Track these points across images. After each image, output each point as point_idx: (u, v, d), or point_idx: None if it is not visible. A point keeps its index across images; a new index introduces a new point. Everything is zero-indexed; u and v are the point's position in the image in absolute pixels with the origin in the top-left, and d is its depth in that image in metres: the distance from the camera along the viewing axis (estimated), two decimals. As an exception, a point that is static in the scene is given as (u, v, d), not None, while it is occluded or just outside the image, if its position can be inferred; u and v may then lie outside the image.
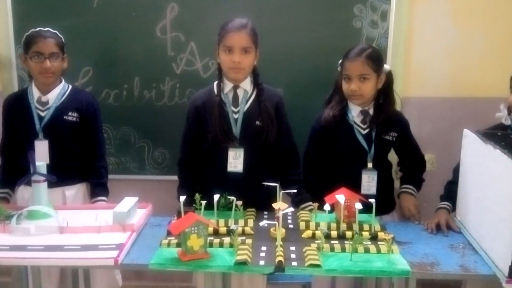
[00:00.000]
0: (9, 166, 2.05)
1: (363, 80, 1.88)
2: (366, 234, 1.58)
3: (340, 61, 1.99)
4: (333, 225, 1.69)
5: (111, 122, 2.51)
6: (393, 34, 2.41)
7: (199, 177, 2.01)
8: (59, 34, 2.04)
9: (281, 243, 1.51)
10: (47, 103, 2.03)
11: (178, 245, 1.53)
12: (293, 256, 1.47)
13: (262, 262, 1.43)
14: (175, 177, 2.51)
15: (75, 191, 2.09)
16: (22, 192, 2.05)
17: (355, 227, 1.64)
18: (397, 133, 1.98)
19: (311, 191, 1.97)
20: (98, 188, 2.08)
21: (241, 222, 1.73)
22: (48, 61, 1.96)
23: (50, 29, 2.03)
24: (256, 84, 1.93)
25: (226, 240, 1.55)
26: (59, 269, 2.08)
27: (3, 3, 2.42)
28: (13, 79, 2.51)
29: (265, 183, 1.84)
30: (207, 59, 2.46)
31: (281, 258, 1.41)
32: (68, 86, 2.11)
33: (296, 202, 1.94)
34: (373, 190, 1.92)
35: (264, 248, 1.53)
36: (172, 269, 1.43)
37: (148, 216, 1.87)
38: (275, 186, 1.83)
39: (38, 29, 2.02)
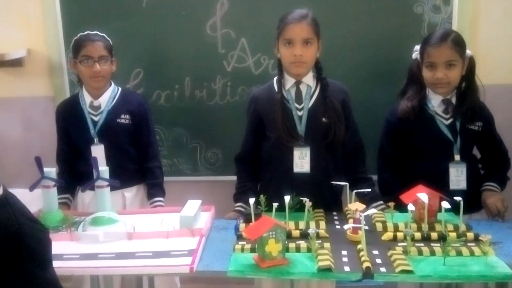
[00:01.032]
0: (67, 172, 2.03)
1: (450, 67, 1.75)
2: (453, 235, 1.45)
3: (417, 47, 1.87)
4: (413, 226, 1.57)
5: (163, 124, 2.47)
6: (457, 19, 2.27)
7: (260, 176, 1.92)
8: (106, 37, 2.02)
9: (362, 246, 1.40)
10: (99, 107, 2.01)
11: (253, 250, 1.45)
12: (378, 261, 1.37)
13: (347, 268, 1.33)
14: (229, 177, 2.48)
15: (134, 192, 2.06)
16: (82, 197, 2.03)
17: (439, 227, 1.52)
18: (482, 123, 1.85)
19: (386, 190, 1.86)
20: (155, 189, 2.05)
21: (312, 224, 1.64)
22: (97, 65, 1.94)
23: (98, 32, 2.01)
24: (319, 78, 1.83)
25: (303, 244, 1.46)
26: (120, 276, 2.05)
27: (52, 7, 2.41)
28: (65, 84, 2.49)
29: (334, 182, 1.76)
30: (258, 55, 2.38)
31: (368, 264, 1.31)
32: (118, 89, 2.09)
33: (367, 201, 1.82)
34: (463, 184, 1.79)
35: (344, 252, 1.43)
36: (250, 277, 1.35)
37: (212, 219, 1.80)
38: (345, 186, 1.75)
39: (86, 32, 2.00)
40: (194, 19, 2.37)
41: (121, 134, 2.01)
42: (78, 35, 2.01)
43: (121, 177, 1.84)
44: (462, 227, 1.54)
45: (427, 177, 1.72)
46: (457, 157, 1.82)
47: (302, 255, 1.43)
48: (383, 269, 1.32)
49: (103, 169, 1.76)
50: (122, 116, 2.02)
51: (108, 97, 2.03)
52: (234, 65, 2.40)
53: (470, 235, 1.49)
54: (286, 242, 1.47)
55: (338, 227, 1.64)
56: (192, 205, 1.76)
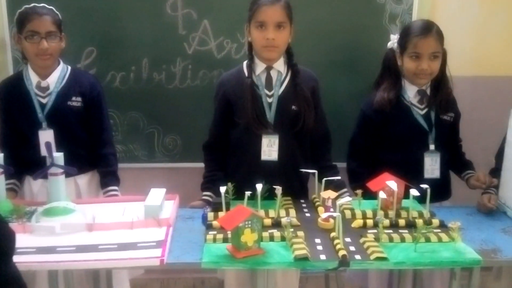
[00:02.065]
0: (13, 158, 1.83)
1: (434, 58, 1.78)
2: (421, 222, 1.49)
3: (394, 38, 1.88)
4: (380, 213, 1.59)
5: (118, 107, 2.33)
6: (417, 11, 2.32)
7: (227, 163, 1.87)
8: (55, 11, 1.85)
9: (337, 235, 1.40)
10: (47, 88, 1.84)
11: (225, 240, 1.41)
12: (352, 248, 1.37)
13: (323, 257, 1.32)
14: (188, 164, 2.43)
15: (88, 179, 1.94)
16: (30, 185, 1.87)
17: (405, 214, 1.56)
18: (453, 113, 1.91)
19: (355, 178, 1.87)
20: (108, 177, 1.93)
21: (282, 212, 1.62)
22: (45, 41, 1.76)
23: (46, 5, 1.83)
24: (290, 65, 1.79)
25: (276, 233, 1.44)
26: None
27: (-7, -23, 2.17)
28: (8, 61, 2.27)
29: (303, 170, 1.74)
30: (221, 38, 2.30)
31: (344, 252, 1.31)
32: (68, 68, 1.92)
33: (332, 189, 1.83)
34: (436, 173, 1.84)
35: (318, 240, 1.43)
36: (225, 268, 1.30)
37: (177, 209, 1.72)
38: (313, 173, 1.74)
39: (32, 5, 1.82)
40: (153, -3, 2.24)
41: (72, 118, 1.86)
42: (23, 8, 1.82)
43: (73, 163, 1.70)
44: (427, 214, 1.58)
45: (402, 166, 1.75)
46: (432, 147, 1.87)
47: (277, 244, 1.40)
48: (358, 257, 1.32)
49: (58, 155, 1.63)
50: (73, 98, 1.86)
51: (57, 77, 1.86)
52: (196, 47, 2.31)
53: (436, 221, 1.53)
54: (258, 231, 1.44)
55: (308, 215, 1.63)
56: (156, 194, 1.68)
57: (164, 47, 2.29)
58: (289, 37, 1.76)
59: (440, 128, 1.88)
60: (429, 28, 1.79)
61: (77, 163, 1.76)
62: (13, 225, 1.48)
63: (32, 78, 1.84)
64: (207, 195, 1.82)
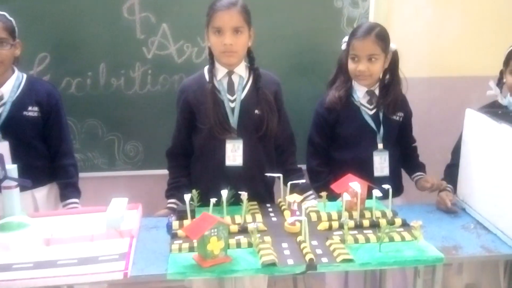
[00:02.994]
0: None
1: (372, 60, 1.81)
2: (384, 222, 1.52)
3: (345, 39, 1.91)
4: (345, 215, 1.61)
5: (75, 115, 2.25)
6: (373, 14, 2.37)
7: (191, 169, 1.85)
8: (8, 16, 1.77)
9: (304, 238, 1.40)
10: (1, 97, 1.76)
11: (191, 249, 1.38)
12: (319, 251, 1.37)
13: (291, 262, 1.32)
14: (151, 172, 2.37)
15: (46, 192, 1.86)
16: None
17: (368, 214, 1.59)
18: (403, 113, 1.95)
19: (315, 178, 1.89)
20: (68, 189, 1.86)
21: (248, 217, 1.60)
22: None
23: None
24: (252, 69, 1.78)
25: (243, 239, 1.42)
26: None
27: None
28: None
29: (268, 174, 1.74)
30: (181, 42, 2.27)
31: (311, 256, 1.31)
32: (23, 76, 1.84)
33: (297, 192, 1.83)
34: (386, 171, 1.87)
35: (285, 245, 1.42)
36: (192, 278, 1.27)
37: (140, 218, 1.68)
38: (278, 177, 1.74)
39: None
40: (109, 1, 2.18)
41: (28, 128, 1.78)
42: None
43: (30, 176, 1.62)
44: (390, 214, 1.62)
45: (353, 164, 1.80)
46: (380, 146, 1.91)
47: (244, 250, 1.39)
48: (325, 260, 1.33)
49: (11, 167, 1.55)
50: (30, 108, 1.78)
51: (12, 85, 1.78)
52: (155, 52, 2.26)
53: (398, 221, 1.56)
54: (225, 238, 1.42)
55: (274, 219, 1.63)
56: (118, 204, 1.62)
57: (122, 52, 2.24)
58: (249, 41, 1.75)
59: (388, 127, 1.93)
60: (367, 31, 1.83)
61: (34, 175, 1.69)
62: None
63: None
64: (172, 202, 1.79)
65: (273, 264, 1.29)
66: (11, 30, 1.75)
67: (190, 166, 1.85)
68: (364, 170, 1.82)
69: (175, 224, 1.55)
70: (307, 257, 1.31)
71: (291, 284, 2.23)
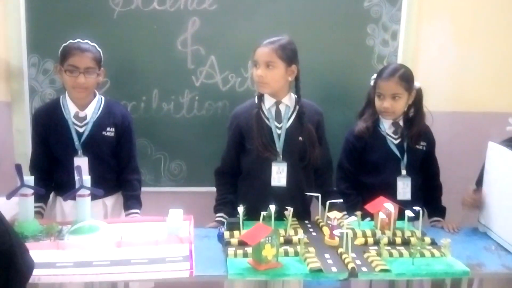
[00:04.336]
0: (42, 180, 1.95)
1: (395, 98, 2.02)
2: (414, 240, 1.69)
3: (373, 77, 2.12)
4: (379, 232, 1.79)
5: (128, 134, 2.48)
6: (402, 52, 2.57)
7: (238, 187, 2.05)
8: (97, 47, 2.01)
9: (344, 250, 1.58)
10: (84, 118, 1.99)
11: (245, 255, 1.57)
12: (358, 262, 1.55)
13: (334, 269, 1.50)
14: (192, 189, 2.58)
15: (115, 199, 2.07)
16: (62, 206, 2.00)
17: (399, 233, 1.76)
18: (426, 143, 2.14)
19: (343, 200, 2.06)
20: (132, 201, 2.06)
21: (291, 231, 1.79)
22: (82, 76, 1.91)
23: (89, 42, 1.99)
24: (297, 102, 2.00)
25: (290, 249, 1.61)
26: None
27: (16, 11, 2.33)
28: (24, 90, 2.40)
29: (308, 194, 1.94)
30: (226, 72, 2.50)
31: (353, 265, 1.49)
32: (102, 98, 2.07)
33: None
34: (408, 196, 2.05)
35: (327, 255, 1.61)
36: (250, 279, 1.46)
37: (193, 228, 1.87)
38: (316, 197, 1.93)
39: (76, 40, 1.97)
40: (165, 34, 2.43)
41: (104, 146, 2.00)
42: (68, 42, 1.97)
43: (102, 186, 1.84)
44: (419, 233, 1.79)
45: (379, 188, 1.98)
46: (403, 172, 2.10)
47: (291, 258, 1.58)
48: (364, 269, 1.51)
49: (85, 178, 1.77)
50: (108, 129, 2.01)
51: (94, 108, 2.01)
52: (203, 80, 2.50)
53: (427, 239, 1.74)
54: (274, 248, 1.60)
55: (314, 234, 1.82)
56: (175, 214, 1.83)
57: (173, 80, 2.48)
58: (284, 76, 1.96)
59: (411, 156, 2.11)
60: (392, 73, 2.05)
61: (105, 186, 1.90)
62: (47, 242, 1.62)
63: (70, 107, 1.98)
64: (220, 216, 1.98)
65: (319, 270, 1.47)
66: (99, 60, 1.99)
67: (238, 184, 2.05)
68: (388, 193, 1.98)
69: (226, 234, 1.75)
70: (349, 266, 1.49)
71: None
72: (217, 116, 2.51)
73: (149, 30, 2.41)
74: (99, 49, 2.03)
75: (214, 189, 2.24)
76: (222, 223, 1.93)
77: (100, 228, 1.72)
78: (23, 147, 2.42)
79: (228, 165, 2.06)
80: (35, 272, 1.36)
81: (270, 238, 1.49)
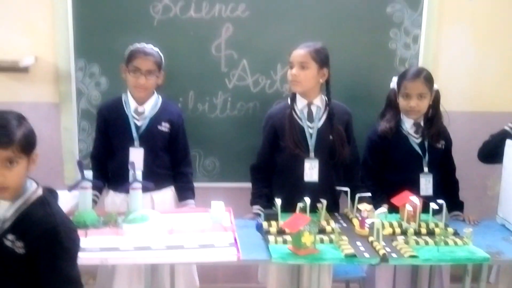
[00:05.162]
0: (99, 170, 2.15)
1: (421, 98, 2.17)
2: (438, 230, 1.85)
3: (395, 79, 2.27)
4: (403, 224, 1.95)
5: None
6: (423, 55, 2.72)
7: (273, 182, 2.22)
8: (159, 52, 2.20)
9: (374, 238, 1.75)
10: (143, 113, 2.18)
11: (284, 242, 1.74)
12: (388, 249, 1.71)
13: (367, 255, 1.67)
14: (225, 184, 2.75)
15: (162, 195, 2.24)
16: (113, 198, 2.19)
17: (423, 224, 1.92)
18: (444, 142, 2.29)
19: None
20: (189, 192, 2.27)
21: (323, 222, 1.96)
22: (143, 78, 2.11)
23: (153, 47, 2.19)
24: (327, 103, 2.17)
25: (325, 237, 1.78)
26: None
27: (64, 18, 2.52)
28: (72, 91, 2.59)
29: (338, 188, 2.10)
30: (257, 75, 2.67)
31: (384, 251, 1.65)
32: (159, 97, 2.26)
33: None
34: (430, 192, 2.20)
35: (359, 243, 1.77)
36: (292, 263, 1.63)
37: (233, 218, 2.05)
38: (345, 191, 2.10)
39: (141, 44, 2.18)
40: (201, 40, 2.60)
41: (158, 140, 2.19)
42: (134, 46, 2.18)
43: (153, 180, 2.03)
44: (442, 225, 1.94)
45: (402, 185, 2.11)
46: (426, 169, 2.25)
47: (327, 245, 1.74)
48: (394, 255, 1.67)
49: (138, 172, 1.95)
50: (163, 123, 2.20)
51: (152, 105, 2.20)
52: (235, 82, 2.67)
53: (450, 230, 1.89)
54: (309, 236, 1.77)
55: (344, 225, 1.98)
56: (217, 206, 2.01)
57: (208, 82, 2.65)
58: (316, 77, 2.13)
59: (432, 154, 2.26)
60: (418, 74, 2.21)
61: (155, 180, 2.08)
62: (106, 230, 1.81)
63: (131, 103, 2.19)
64: (257, 208, 2.16)
65: (353, 256, 1.64)
66: (159, 64, 2.18)
67: (273, 179, 2.22)
68: (412, 190, 2.11)
69: (265, 224, 1.92)
70: (380, 252, 1.66)
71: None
72: (248, 116, 2.69)
73: (186, 36, 2.59)
74: (161, 54, 2.22)
75: (245, 184, 2.43)
76: (259, 214, 2.10)
77: (151, 217, 1.90)
78: (70, 144, 2.63)
79: (263, 161, 2.23)
80: (103, 254, 1.56)
81: (309, 226, 1.66)
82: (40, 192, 1.31)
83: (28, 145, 1.32)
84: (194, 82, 2.65)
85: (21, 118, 1.33)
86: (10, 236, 1.26)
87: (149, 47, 2.18)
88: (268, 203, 2.14)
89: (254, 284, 2.61)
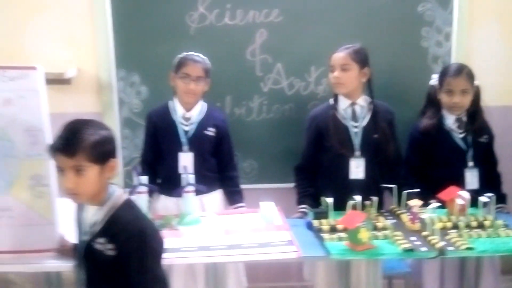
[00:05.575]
0: (149, 175, 2.16)
1: (464, 93, 2.20)
2: (488, 223, 1.88)
3: (435, 77, 2.31)
4: (452, 218, 1.98)
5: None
6: (455, 53, 2.75)
7: (318, 182, 2.27)
8: (207, 60, 2.28)
9: (429, 233, 1.78)
10: (190, 118, 2.25)
11: (339, 239, 1.78)
12: (443, 243, 1.75)
13: (424, 249, 1.70)
14: (263, 185, 2.80)
15: (212, 198, 2.30)
16: (165, 202, 2.25)
17: (470, 218, 1.94)
18: (488, 136, 2.32)
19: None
20: (239, 195, 2.33)
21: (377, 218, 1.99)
22: (193, 83, 2.19)
23: (201, 55, 2.27)
24: (371, 102, 2.22)
25: (379, 233, 1.82)
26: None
27: (104, 30, 2.59)
28: (114, 101, 2.66)
29: (384, 185, 2.14)
30: (291, 78, 2.72)
31: (441, 245, 1.69)
32: (204, 104, 2.33)
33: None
34: (476, 185, 2.23)
35: (413, 238, 1.80)
36: (350, 258, 1.68)
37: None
38: (392, 188, 2.13)
39: (190, 53, 2.26)
40: (236, 46, 2.66)
41: (206, 144, 2.27)
42: (183, 54, 2.26)
43: (202, 183, 2.09)
44: (491, 217, 1.97)
45: (446, 180, 2.14)
46: (470, 164, 2.27)
47: (382, 241, 1.78)
48: (450, 248, 1.70)
49: (191, 176, 2.01)
50: (209, 128, 2.27)
51: (198, 110, 2.28)
52: (270, 86, 2.72)
53: (500, 222, 1.92)
54: (362, 232, 1.81)
55: (394, 221, 2.01)
56: (267, 206, 2.06)
57: (244, 86, 2.71)
58: (358, 77, 2.18)
59: (476, 148, 2.29)
60: (460, 70, 2.25)
61: (205, 183, 2.14)
62: (165, 232, 1.86)
63: (178, 109, 2.26)
64: (303, 207, 2.20)
65: (411, 250, 1.68)
66: (208, 70, 2.26)
67: (318, 179, 2.27)
68: (456, 185, 2.15)
69: (315, 222, 1.96)
70: (437, 246, 1.69)
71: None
72: (284, 118, 2.74)
73: (221, 43, 2.65)
74: (209, 62, 2.29)
75: (283, 185, 2.49)
76: (306, 213, 2.14)
77: (206, 219, 1.96)
78: (113, 152, 2.70)
79: (308, 161, 2.28)
80: (168, 255, 1.61)
81: (365, 223, 1.70)
82: (125, 196, 1.37)
83: (98, 153, 1.34)
84: (230, 87, 2.71)
85: (97, 127, 1.38)
86: (101, 239, 1.32)
87: (198, 55, 2.25)
88: (314, 202, 2.18)
89: (295, 282, 2.65)
